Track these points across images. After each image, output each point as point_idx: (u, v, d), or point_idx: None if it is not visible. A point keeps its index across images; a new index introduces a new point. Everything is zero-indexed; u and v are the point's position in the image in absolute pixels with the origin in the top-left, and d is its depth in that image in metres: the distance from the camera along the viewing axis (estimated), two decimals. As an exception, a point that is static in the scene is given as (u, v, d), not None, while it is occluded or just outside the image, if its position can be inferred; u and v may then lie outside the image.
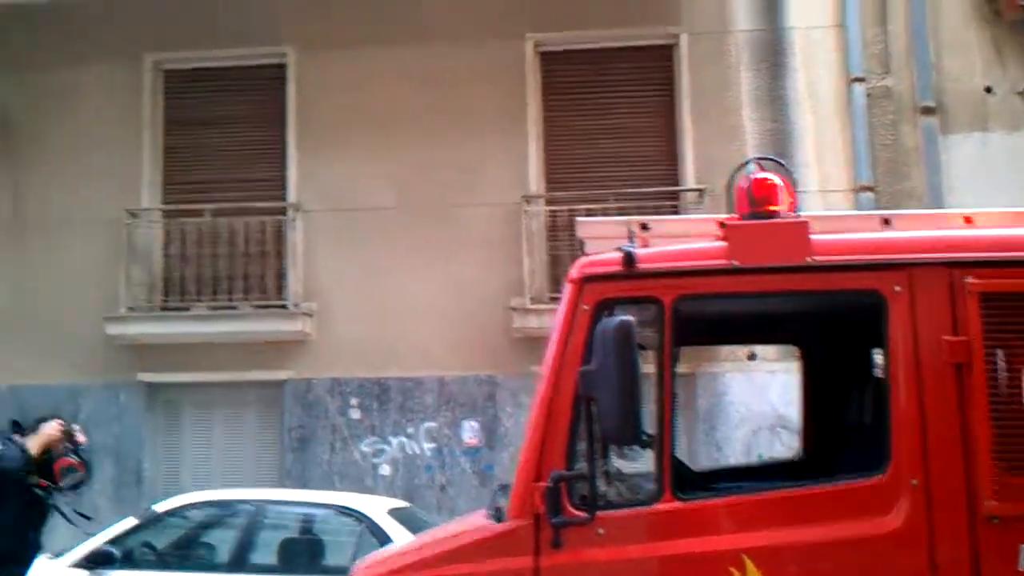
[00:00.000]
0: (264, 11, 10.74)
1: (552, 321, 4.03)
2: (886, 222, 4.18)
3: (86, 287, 10.58)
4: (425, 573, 3.89)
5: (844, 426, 4.83)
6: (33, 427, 6.78)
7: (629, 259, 3.86)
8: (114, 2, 10.86)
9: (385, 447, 10.11)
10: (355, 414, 10.18)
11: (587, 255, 4.22)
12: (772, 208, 4.03)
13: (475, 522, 4.16)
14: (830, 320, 4.65)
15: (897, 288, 3.75)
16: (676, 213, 9.91)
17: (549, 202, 10.21)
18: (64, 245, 10.73)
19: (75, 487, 6.75)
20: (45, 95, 10.99)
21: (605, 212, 9.74)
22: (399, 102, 10.48)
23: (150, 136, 10.92)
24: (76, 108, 10.95)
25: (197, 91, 11.07)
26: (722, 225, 4.08)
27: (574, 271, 4.00)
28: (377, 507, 7.50)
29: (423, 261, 10.24)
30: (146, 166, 10.85)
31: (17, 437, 6.69)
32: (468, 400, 10.07)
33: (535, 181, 10.30)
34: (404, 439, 10.10)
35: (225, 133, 10.98)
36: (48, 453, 6.66)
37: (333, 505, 7.59)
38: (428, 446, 10.08)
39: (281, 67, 10.82)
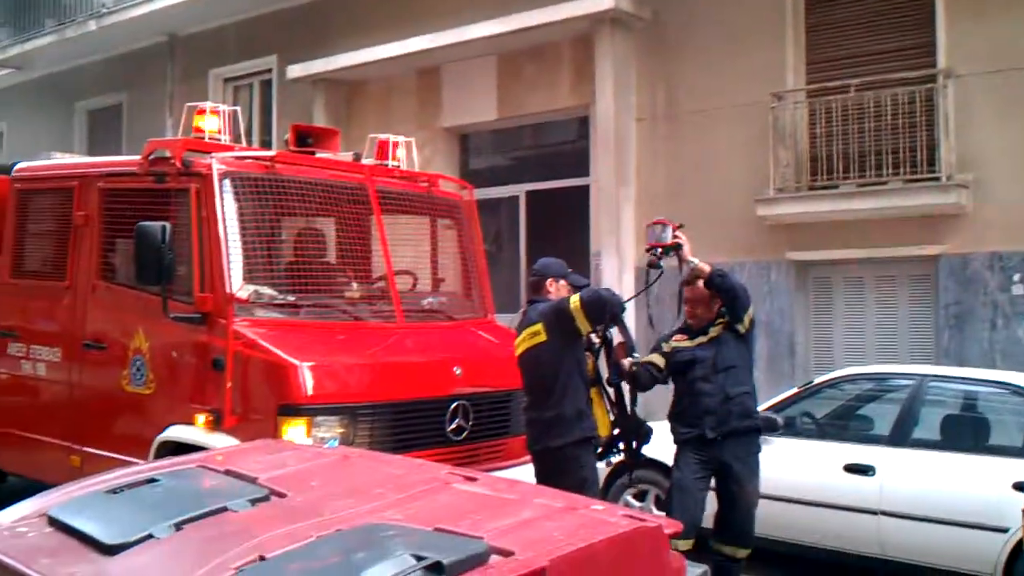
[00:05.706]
0: None
1: None
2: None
3: (736, 170, 11.09)
4: None
5: None
6: None
7: None
8: None
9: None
10: (1018, 290, 9.48)
11: None
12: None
13: None
14: None
15: None
16: None
17: None
18: (713, 131, 11.32)
19: None
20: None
21: None
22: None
23: (792, 19, 11.00)
24: (720, 1, 11.41)
25: (836, -34, 10.89)
26: None
27: None
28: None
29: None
30: (789, 48, 10.97)
31: None
32: None
33: None
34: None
35: (865, 4, 10.66)
36: None
37: (1006, 383, 7.08)
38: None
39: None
